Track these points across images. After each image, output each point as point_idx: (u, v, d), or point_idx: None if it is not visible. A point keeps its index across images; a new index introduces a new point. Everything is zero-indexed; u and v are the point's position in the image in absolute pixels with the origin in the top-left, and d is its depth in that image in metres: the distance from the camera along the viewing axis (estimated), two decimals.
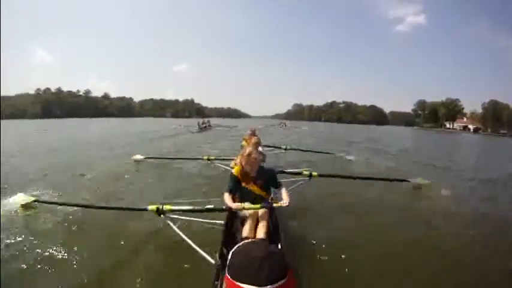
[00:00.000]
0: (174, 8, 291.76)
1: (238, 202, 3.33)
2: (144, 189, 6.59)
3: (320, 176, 5.20)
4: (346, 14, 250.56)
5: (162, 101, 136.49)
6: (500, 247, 4.31)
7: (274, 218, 3.53)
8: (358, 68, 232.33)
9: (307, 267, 3.31)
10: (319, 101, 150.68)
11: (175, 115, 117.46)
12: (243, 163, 3.48)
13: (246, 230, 3.07)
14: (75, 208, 4.71)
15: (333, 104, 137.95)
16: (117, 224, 4.37)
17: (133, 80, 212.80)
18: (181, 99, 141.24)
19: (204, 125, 28.68)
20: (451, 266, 3.61)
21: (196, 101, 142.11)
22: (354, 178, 6.22)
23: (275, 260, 1.66)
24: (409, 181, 6.68)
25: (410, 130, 70.64)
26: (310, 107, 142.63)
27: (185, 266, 3.25)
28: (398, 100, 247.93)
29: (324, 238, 4.03)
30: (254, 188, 3.51)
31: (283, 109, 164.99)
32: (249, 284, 1.53)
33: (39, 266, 3.31)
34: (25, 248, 3.68)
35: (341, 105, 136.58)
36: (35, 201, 4.98)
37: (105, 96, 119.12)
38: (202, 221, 3.65)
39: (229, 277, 1.60)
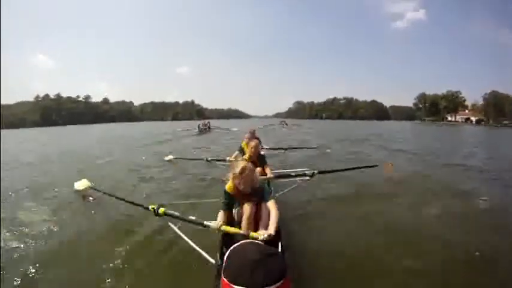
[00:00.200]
0: (176, 10, 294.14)
1: (235, 219, 3.12)
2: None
3: (320, 173, 5.09)
4: (346, 13, 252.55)
5: (162, 103, 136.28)
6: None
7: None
8: (358, 67, 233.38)
9: (307, 267, 3.31)
10: (320, 99, 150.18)
11: (176, 117, 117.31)
12: (236, 182, 3.03)
13: (244, 228, 2.90)
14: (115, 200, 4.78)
15: (334, 101, 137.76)
16: (117, 222, 4.54)
17: (134, 83, 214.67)
18: (181, 101, 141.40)
19: (204, 127, 28.53)
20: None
21: (196, 102, 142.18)
22: (349, 169, 6.02)
23: (271, 262, 1.65)
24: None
25: (412, 124, 70.05)
26: (311, 104, 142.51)
27: (185, 265, 3.25)
28: (398, 96, 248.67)
29: (324, 238, 4.05)
30: (246, 204, 3.06)
31: (284, 108, 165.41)
32: (244, 286, 1.52)
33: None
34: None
35: (342, 102, 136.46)
36: (91, 188, 5.76)
37: (105, 101, 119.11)
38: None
39: (225, 279, 1.60)
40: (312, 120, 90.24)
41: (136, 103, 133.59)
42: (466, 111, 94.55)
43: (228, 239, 2.94)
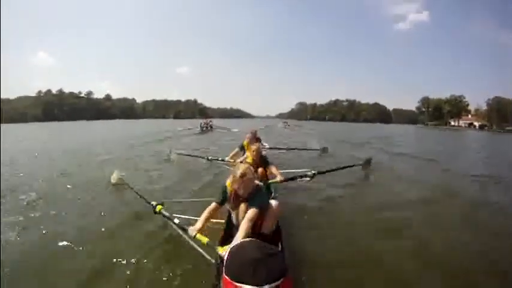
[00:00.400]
0: (176, 10, 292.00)
1: (234, 219, 3.16)
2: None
3: (320, 173, 5.26)
4: (346, 14, 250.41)
5: (164, 101, 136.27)
6: None
7: (275, 216, 3.36)
8: (358, 67, 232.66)
9: (307, 266, 3.28)
10: (322, 100, 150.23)
11: (178, 116, 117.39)
12: (235, 185, 2.95)
13: (240, 233, 2.77)
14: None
15: (336, 102, 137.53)
16: (118, 222, 4.44)
17: (135, 81, 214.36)
18: (184, 99, 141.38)
19: (206, 126, 28.36)
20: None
21: (199, 101, 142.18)
22: (346, 167, 7.02)
23: (273, 259, 1.66)
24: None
25: (415, 128, 69.82)
26: (314, 105, 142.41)
27: (185, 265, 3.20)
28: (399, 98, 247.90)
29: (324, 238, 4.04)
30: (241, 207, 3.02)
31: (286, 108, 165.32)
32: (246, 284, 1.53)
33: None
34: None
35: (344, 103, 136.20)
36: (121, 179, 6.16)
37: (107, 98, 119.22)
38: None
39: (227, 277, 1.59)
40: (314, 122, 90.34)
41: (138, 100, 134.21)
42: (469, 116, 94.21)
43: (228, 238, 2.93)
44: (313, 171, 5.10)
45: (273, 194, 4.07)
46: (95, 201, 5.42)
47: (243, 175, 2.88)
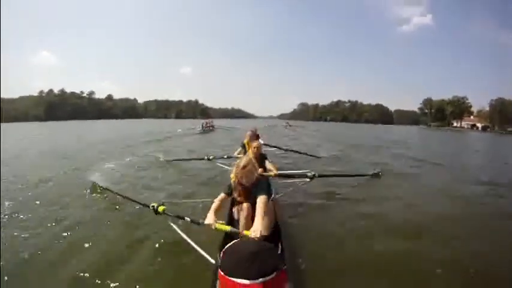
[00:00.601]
0: (176, 10, 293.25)
1: (235, 218, 3.33)
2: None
3: (320, 176, 5.14)
4: (347, 14, 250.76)
5: (166, 101, 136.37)
6: None
7: (275, 217, 3.54)
8: (358, 68, 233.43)
9: (307, 266, 3.30)
10: (324, 100, 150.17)
11: (179, 116, 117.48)
12: (238, 176, 3.20)
13: (242, 228, 3.02)
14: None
15: (338, 103, 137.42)
16: (119, 221, 4.52)
17: (137, 82, 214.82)
18: (185, 100, 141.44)
19: (207, 126, 28.29)
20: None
21: (200, 101, 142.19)
22: (349, 176, 6.98)
23: (266, 255, 1.70)
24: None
25: (419, 129, 69.90)
26: (316, 106, 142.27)
27: (185, 265, 3.27)
28: (400, 99, 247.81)
29: (325, 238, 4.08)
30: (246, 208, 3.21)
31: (288, 109, 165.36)
32: (240, 278, 1.56)
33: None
34: None
35: (346, 104, 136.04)
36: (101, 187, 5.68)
37: (109, 98, 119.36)
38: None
39: (222, 272, 1.64)
40: (317, 122, 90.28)
41: (140, 100, 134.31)
42: (472, 117, 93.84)
43: (229, 239, 2.94)
44: (312, 173, 4.99)
45: (272, 195, 4.03)
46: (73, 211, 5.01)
47: (245, 166, 3.15)
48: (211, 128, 29.20)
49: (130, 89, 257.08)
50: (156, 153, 11.07)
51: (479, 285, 3.14)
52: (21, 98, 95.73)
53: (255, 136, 7.38)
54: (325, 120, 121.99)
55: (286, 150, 9.54)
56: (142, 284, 2.98)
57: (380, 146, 17.92)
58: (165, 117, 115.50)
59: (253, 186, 3.21)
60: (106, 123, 58.60)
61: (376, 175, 7.52)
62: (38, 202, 5.40)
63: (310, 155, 10.30)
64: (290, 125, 40.71)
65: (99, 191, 5.74)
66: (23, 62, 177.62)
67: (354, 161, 11.14)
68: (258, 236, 2.59)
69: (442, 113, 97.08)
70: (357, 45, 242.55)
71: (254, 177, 3.20)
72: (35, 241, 3.83)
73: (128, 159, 10.40)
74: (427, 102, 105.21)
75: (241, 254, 1.71)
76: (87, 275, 3.10)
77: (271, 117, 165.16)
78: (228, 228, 2.91)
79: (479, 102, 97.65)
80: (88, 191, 5.92)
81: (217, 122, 34.80)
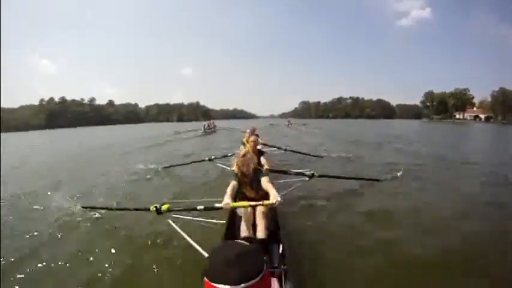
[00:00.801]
0: (176, 10, 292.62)
1: (238, 200, 3.47)
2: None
3: (320, 176, 5.20)
4: (347, 11, 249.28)
5: (167, 105, 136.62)
6: None
7: (274, 217, 3.64)
8: (358, 66, 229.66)
9: (307, 267, 3.35)
10: (325, 98, 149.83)
11: (181, 119, 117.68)
12: (239, 164, 3.51)
13: (243, 230, 3.17)
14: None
15: (340, 100, 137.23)
16: (119, 224, 4.58)
17: (138, 84, 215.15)
18: (186, 102, 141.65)
19: (209, 128, 28.32)
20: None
21: (201, 103, 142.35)
22: (352, 178, 6.49)
23: (248, 258, 1.63)
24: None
25: (421, 123, 69.47)
26: (317, 104, 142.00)
27: (186, 265, 3.35)
28: (402, 95, 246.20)
29: (324, 238, 4.10)
30: (248, 191, 3.62)
31: (289, 107, 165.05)
32: (223, 284, 1.50)
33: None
34: None
35: (348, 101, 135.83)
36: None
37: (110, 104, 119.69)
38: (203, 220, 3.66)
39: (206, 279, 1.58)
40: (319, 120, 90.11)
41: (141, 105, 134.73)
42: (474, 108, 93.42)
43: (229, 239, 3.09)
44: (312, 172, 5.01)
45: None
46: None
47: (244, 155, 3.53)
48: (213, 129, 29.22)
49: (131, 93, 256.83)
50: (156, 157, 11.18)
51: None
52: (22, 108, 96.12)
53: (254, 135, 7.54)
54: (327, 117, 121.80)
55: (285, 150, 9.48)
56: (143, 284, 3.10)
57: (383, 143, 17.30)
58: (167, 120, 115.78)
59: (254, 175, 3.51)
60: (106, 129, 58.64)
61: (378, 180, 7.01)
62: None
63: (314, 156, 10.19)
64: (291, 124, 40.83)
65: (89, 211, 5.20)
66: (23, 64, 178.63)
67: (357, 161, 10.60)
68: (279, 199, 2.99)
69: (444, 106, 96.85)
70: (356, 43, 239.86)
71: (252, 165, 3.48)
72: None
73: (118, 168, 9.92)
74: (429, 96, 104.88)
75: (224, 258, 1.64)
76: (88, 275, 3.24)
77: (272, 116, 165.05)
78: (246, 204, 3.06)
79: (481, 93, 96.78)
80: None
81: (218, 123, 35.00)
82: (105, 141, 24.30)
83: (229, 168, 6.77)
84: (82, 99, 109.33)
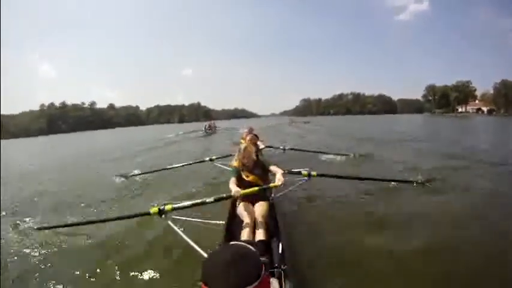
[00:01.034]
0: (176, 10, 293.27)
1: (236, 220, 3.59)
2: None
3: (319, 175, 4.91)
4: (346, 9, 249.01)
5: (168, 106, 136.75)
6: None
7: (274, 217, 3.65)
8: (359, 63, 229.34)
9: (308, 267, 3.34)
10: (326, 95, 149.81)
11: (182, 120, 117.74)
12: (241, 157, 3.80)
13: (244, 231, 3.17)
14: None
15: (341, 96, 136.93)
16: (119, 228, 4.54)
17: (139, 86, 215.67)
18: (187, 103, 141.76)
19: (209, 129, 28.21)
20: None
21: (202, 104, 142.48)
22: (355, 179, 6.00)
23: (246, 262, 1.48)
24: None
25: (424, 117, 68.77)
26: (318, 101, 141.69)
27: (186, 266, 3.33)
28: (403, 89, 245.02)
29: (324, 238, 4.09)
30: (253, 178, 3.78)
31: (291, 105, 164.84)
32: None
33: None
34: None
35: (349, 97, 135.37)
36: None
37: (111, 107, 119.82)
38: (203, 221, 3.72)
39: (203, 285, 1.44)
40: (320, 117, 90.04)
41: (142, 107, 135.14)
42: (476, 101, 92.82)
43: (229, 240, 3.11)
44: (310, 171, 4.71)
45: (272, 194, 4.20)
46: None
47: (245, 148, 3.82)
48: (214, 129, 29.13)
49: (132, 96, 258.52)
50: (157, 158, 11.12)
51: None
52: (22, 114, 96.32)
53: (251, 133, 7.87)
54: (329, 114, 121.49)
55: (284, 149, 9.38)
56: (142, 284, 3.17)
57: (394, 141, 15.69)
58: (168, 122, 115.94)
59: (255, 165, 3.83)
60: (107, 132, 58.74)
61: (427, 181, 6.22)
62: None
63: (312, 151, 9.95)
64: (293, 122, 41.25)
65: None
66: (22, 65, 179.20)
67: (376, 160, 9.84)
68: (280, 183, 3.41)
69: (446, 99, 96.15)
70: (355, 40, 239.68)
71: (253, 155, 3.83)
72: None
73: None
74: (430, 89, 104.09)
75: (221, 261, 1.46)
76: (89, 276, 3.32)
77: (273, 115, 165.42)
78: (255, 189, 3.45)
79: (483, 86, 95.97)
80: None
81: (219, 124, 35.29)
82: (101, 145, 24.26)
83: (229, 169, 6.54)
84: (83, 103, 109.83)
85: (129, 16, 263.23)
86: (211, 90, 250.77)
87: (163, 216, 3.39)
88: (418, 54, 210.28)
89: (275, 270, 2.69)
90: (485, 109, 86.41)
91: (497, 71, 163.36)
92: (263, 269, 1.48)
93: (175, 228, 3.40)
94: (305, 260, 3.45)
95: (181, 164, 8.01)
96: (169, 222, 3.44)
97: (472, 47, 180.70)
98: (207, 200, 3.43)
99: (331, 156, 9.86)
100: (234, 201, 3.86)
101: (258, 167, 3.83)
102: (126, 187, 7.60)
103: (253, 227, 3.26)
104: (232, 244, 2.07)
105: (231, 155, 7.31)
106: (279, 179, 3.45)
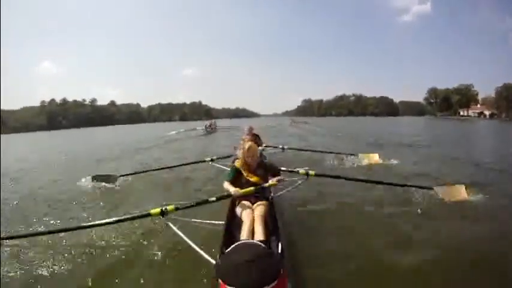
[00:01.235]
0: (176, 10, 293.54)
1: (235, 220, 3.57)
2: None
3: (317, 175, 4.85)
4: (349, 10, 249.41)
5: (169, 104, 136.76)
6: None
7: (273, 217, 3.62)
8: (359, 64, 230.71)
9: (307, 267, 3.32)
10: (328, 96, 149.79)
11: (184, 118, 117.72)
12: (244, 156, 3.81)
13: (244, 231, 3.12)
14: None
15: (343, 97, 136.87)
16: (118, 229, 4.34)
17: (139, 86, 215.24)
18: (188, 102, 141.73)
19: (210, 128, 28.16)
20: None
21: (204, 102, 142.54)
22: (354, 180, 5.59)
23: (265, 262, 1.66)
24: (432, 188, 5.26)
25: (426, 120, 68.05)
26: (320, 102, 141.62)
27: (186, 267, 3.32)
28: (405, 92, 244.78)
29: (323, 238, 4.06)
30: (255, 179, 3.78)
31: (293, 106, 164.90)
32: (237, 287, 1.51)
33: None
34: None
35: (351, 98, 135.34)
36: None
37: (112, 104, 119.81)
38: (203, 222, 3.74)
39: (220, 279, 1.61)
40: (321, 118, 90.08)
41: (143, 105, 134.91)
42: (478, 105, 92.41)
43: (228, 240, 3.10)
44: (308, 171, 4.66)
45: (271, 194, 4.16)
46: None
47: (249, 147, 3.80)
48: (214, 128, 29.08)
49: (133, 94, 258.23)
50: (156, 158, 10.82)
51: None
52: (23, 109, 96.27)
53: (251, 133, 8.21)
54: (330, 115, 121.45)
55: (284, 149, 9.06)
56: (142, 284, 3.10)
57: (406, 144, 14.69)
58: (170, 120, 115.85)
59: (258, 165, 3.86)
60: (107, 130, 58.24)
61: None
62: None
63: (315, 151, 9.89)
64: (294, 122, 41.70)
65: None
66: (23, 64, 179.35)
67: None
68: (278, 178, 3.65)
69: (448, 102, 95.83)
70: (358, 41, 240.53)
71: (257, 154, 3.89)
72: None
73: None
74: (432, 92, 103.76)
75: (241, 260, 1.64)
76: (90, 278, 3.20)
77: (275, 114, 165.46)
78: (254, 188, 3.54)
79: (485, 90, 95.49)
80: None
81: (220, 123, 35.38)
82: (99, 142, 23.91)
83: (229, 169, 6.41)
84: (84, 100, 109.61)
85: (129, 16, 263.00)
86: (212, 90, 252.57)
87: (164, 217, 3.37)
88: (421, 56, 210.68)
89: None
90: (487, 113, 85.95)
91: (499, 75, 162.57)
92: (282, 270, 1.66)
93: (175, 228, 3.37)
94: (305, 260, 3.43)
95: (182, 164, 7.85)
96: (170, 223, 3.40)
97: (476, 48, 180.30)
98: (210, 199, 3.53)
99: (331, 155, 9.51)
100: (233, 201, 3.82)
101: (260, 167, 3.88)
102: (123, 188, 7.20)
103: (253, 227, 3.23)
104: (247, 243, 2.22)
105: (231, 156, 7.34)
106: (276, 177, 3.67)
